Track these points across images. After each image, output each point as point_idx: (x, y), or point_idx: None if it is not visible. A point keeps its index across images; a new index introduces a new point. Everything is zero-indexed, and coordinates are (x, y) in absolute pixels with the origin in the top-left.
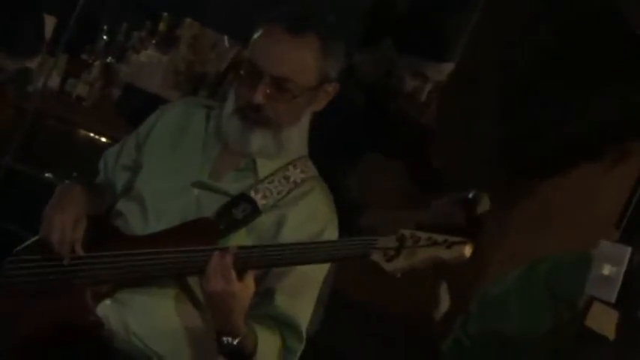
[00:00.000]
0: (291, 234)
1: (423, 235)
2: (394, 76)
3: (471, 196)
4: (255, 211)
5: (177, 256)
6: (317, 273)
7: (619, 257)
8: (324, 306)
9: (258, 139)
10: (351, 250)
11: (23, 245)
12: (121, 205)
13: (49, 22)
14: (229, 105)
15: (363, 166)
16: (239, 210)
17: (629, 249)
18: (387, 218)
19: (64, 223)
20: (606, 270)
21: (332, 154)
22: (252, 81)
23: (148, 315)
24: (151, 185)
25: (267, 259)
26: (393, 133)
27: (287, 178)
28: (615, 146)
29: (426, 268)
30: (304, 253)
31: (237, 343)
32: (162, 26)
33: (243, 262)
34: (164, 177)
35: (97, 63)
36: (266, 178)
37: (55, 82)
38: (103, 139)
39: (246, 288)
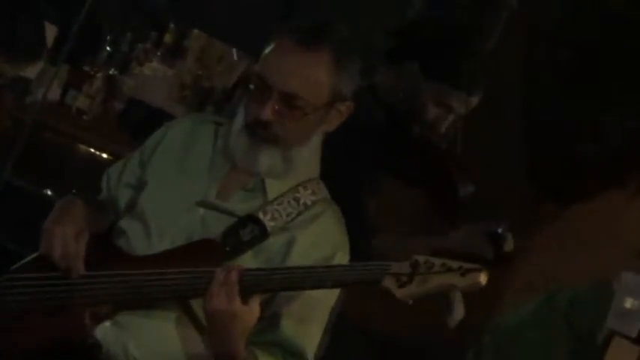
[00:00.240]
0: (299, 258)
1: (437, 261)
2: (417, 101)
3: (500, 230)
4: (263, 233)
5: (180, 278)
6: (327, 298)
7: None
8: (329, 332)
9: (266, 158)
10: (362, 275)
11: (19, 263)
12: (124, 224)
13: (51, 32)
14: (238, 121)
15: (380, 190)
16: (246, 232)
17: None
18: (401, 245)
19: (66, 236)
20: (628, 303)
21: (347, 175)
22: (261, 96)
23: (148, 339)
24: (154, 204)
25: (274, 282)
26: (413, 157)
27: (297, 200)
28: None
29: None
30: (313, 277)
31: None
32: (168, 37)
33: (249, 285)
34: (169, 196)
35: (99, 75)
36: (275, 199)
37: (55, 93)
38: (104, 155)
39: (250, 311)
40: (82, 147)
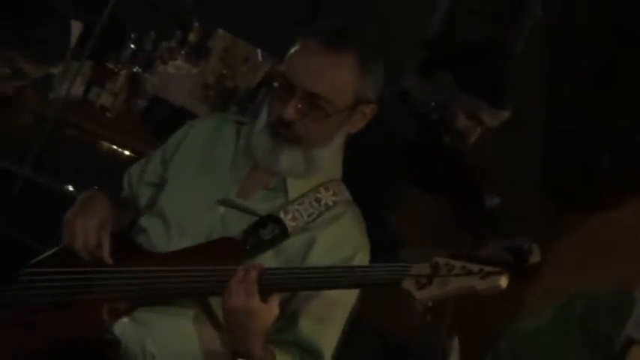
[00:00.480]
0: (319, 258)
1: (457, 263)
2: (448, 111)
3: (526, 246)
4: (283, 232)
5: (199, 275)
6: (346, 299)
7: None
8: (343, 331)
9: (288, 157)
10: (382, 276)
11: (39, 258)
12: (144, 222)
13: (75, 28)
14: (261, 121)
15: (404, 199)
16: (267, 231)
17: None
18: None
19: (87, 228)
20: None
21: (372, 180)
22: (285, 96)
23: (166, 335)
24: (175, 202)
25: (293, 281)
26: (441, 167)
27: (318, 201)
28: None
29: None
30: (333, 277)
31: None
32: (192, 36)
33: (268, 283)
34: (190, 194)
35: (122, 72)
36: (296, 199)
37: (78, 90)
38: (126, 153)
39: (269, 310)
40: (104, 144)
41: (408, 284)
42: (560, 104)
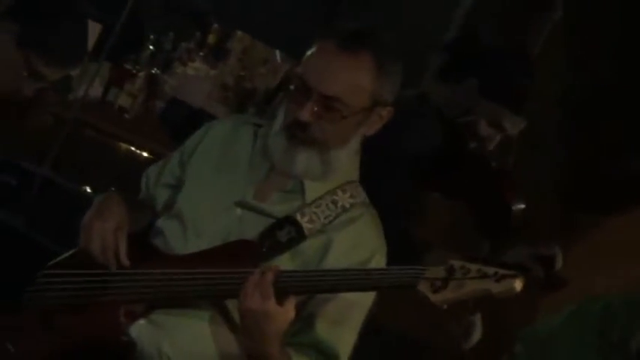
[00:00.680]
0: (336, 261)
1: (472, 266)
2: (472, 117)
3: (552, 253)
4: (300, 235)
5: (216, 277)
6: (362, 301)
7: None
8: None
9: (304, 159)
10: (397, 278)
11: (56, 260)
12: (161, 223)
13: (94, 29)
14: (277, 123)
15: (424, 201)
16: (284, 233)
17: None
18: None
19: (105, 231)
20: None
21: (392, 183)
22: (301, 98)
23: (182, 338)
24: (192, 204)
25: (309, 284)
26: (466, 173)
27: (335, 203)
28: None
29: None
30: (349, 279)
31: None
32: (211, 38)
33: (285, 286)
34: (207, 195)
35: (141, 73)
36: (313, 201)
37: (97, 91)
38: (144, 154)
39: (285, 312)
40: (123, 145)
41: (424, 287)
42: (576, 108)
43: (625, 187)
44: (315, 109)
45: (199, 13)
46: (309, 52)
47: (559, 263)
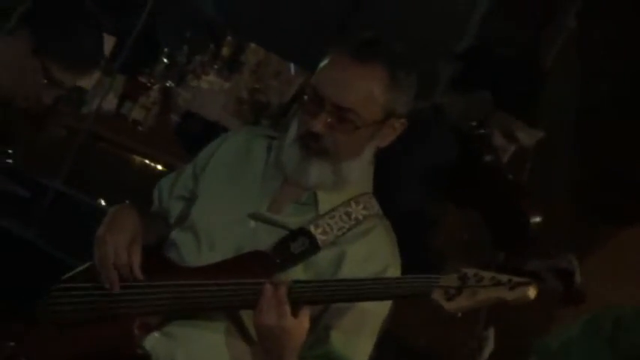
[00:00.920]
0: (350, 273)
1: (486, 274)
2: (485, 129)
3: (571, 267)
4: (314, 246)
5: (229, 289)
6: (377, 311)
7: None
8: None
9: (316, 170)
10: (411, 287)
11: (71, 273)
12: (175, 236)
13: (108, 42)
14: (291, 134)
15: (440, 213)
16: (297, 245)
17: None
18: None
19: (118, 245)
20: None
21: (407, 194)
22: (314, 108)
23: (197, 349)
24: (206, 215)
25: (324, 294)
26: (482, 185)
27: (348, 215)
28: None
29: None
30: (363, 289)
31: None
32: (225, 51)
33: (298, 297)
34: (220, 207)
35: (155, 86)
36: (327, 213)
37: (111, 104)
38: (159, 167)
39: (300, 324)
40: (137, 158)
41: (437, 295)
42: (592, 119)
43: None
44: (329, 120)
45: (213, 26)
46: (322, 63)
47: (578, 278)
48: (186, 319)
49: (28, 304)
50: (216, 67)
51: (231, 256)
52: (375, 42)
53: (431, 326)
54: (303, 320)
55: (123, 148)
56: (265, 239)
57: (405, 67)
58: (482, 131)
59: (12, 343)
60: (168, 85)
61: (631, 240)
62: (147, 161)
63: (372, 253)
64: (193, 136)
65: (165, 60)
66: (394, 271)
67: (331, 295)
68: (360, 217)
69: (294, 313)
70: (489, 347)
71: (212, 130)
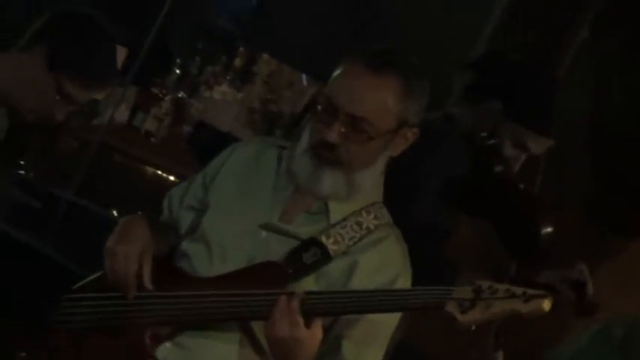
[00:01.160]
0: (361, 282)
1: (500, 286)
2: (496, 140)
3: (582, 278)
4: (325, 256)
5: (241, 300)
6: (388, 322)
7: None
8: (389, 356)
9: (330, 180)
10: (424, 299)
11: (82, 282)
12: (186, 246)
13: (121, 53)
14: (302, 143)
15: (452, 223)
16: (309, 255)
17: None
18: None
19: (129, 256)
20: None
21: (419, 204)
22: (327, 118)
23: None
24: (217, 226)
25: (336, 305)
26: (493, 196)
27: (360, 224)
28: None
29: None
30: (376, 301)
31: None
32: (238, 62)
33: (311, 309)
34: (231, 218)
35: (167, 97)
36: (338, 222)
37: (123, 115)
38: (171, 178)
39: (313, 335)
40: (149, 169)
41: (451, 308)
42: (604, 130)
43: None
44: (342, 129)
45: (225, 37)
46: (336, 73)
47: (590, 289)
48: (198, 329)
49: (39, 314)
50: (228, 77)
51: (243, 266)
52: (389, 52)
53: (444, 336)
54: (316, 331)
55: (135, 159)
56: (277, 249)
57: (419, 77)
58: (492, 142)
59: (23, 354)
60: (180, 95)
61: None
62: (159, 172)
63: (383, 262)
64: (206, 146)
65: (177, 71)
66: (404, 280)
67: (344, 307)
68: (372, 227)
69: (307, 325)
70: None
71: (224, 141)
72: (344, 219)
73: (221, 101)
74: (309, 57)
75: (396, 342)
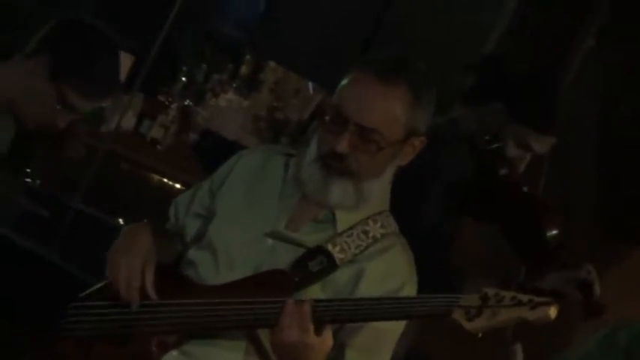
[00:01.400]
0: (367, 291)
1: (507, 294)
2: (500, 143)
3: (589, 278)
4: (331, 264)
5: (249, 308)
6: (393, 330)
7: None
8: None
9: (339, 190)
10: (431, 307)
11: (88, 291)
12: (192, 254)
13: (127, 61)
14: (311, 153)
15: (459, 228)
16: (315, 263)
17: None
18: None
19: (131, 266)
20: None
21: (424, 211)
22: (337, 128)
23: None
24: (223, 234)
25: (343, 313)
26: (498, 199)
27: (366, 233)
28: None
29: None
30: (383, 308)
31: None
32: (244, 69)
33: (321, 316)
34: (237, 226)
35: (174, 105)
36: (344, 231)
37: (129, 122)
38: (177, 185)
39: (323, 342)
40: (155, 177)
41: (458, 315)
42: (610, 137)
43: None
44: (352, 139)
45: (232, 45)
46: (344, 82)
47: (597, 290)
48: (205, 337)
49: (46, 321)
50: (234, 85)
51: (250, 274)
52: (399, 60)
53: (456, 342)
54: (327, 339)
55: (141, 167)
56: (283, 257)
57: (428, 87)
58: (495, 145)
59: None
60: (186, 103)
61: None
62: (165, 180)
63: (389, 271)
64: (211, 154)
65: (183, 79)
66: (410, 289)
67: (352, 315)
68: (378, 236)
69: (317, 331)
70: None
71: (230, 149)
72: (351, 227)
73: (227, 109)
74: (315, 65)
75: (406, 349)
